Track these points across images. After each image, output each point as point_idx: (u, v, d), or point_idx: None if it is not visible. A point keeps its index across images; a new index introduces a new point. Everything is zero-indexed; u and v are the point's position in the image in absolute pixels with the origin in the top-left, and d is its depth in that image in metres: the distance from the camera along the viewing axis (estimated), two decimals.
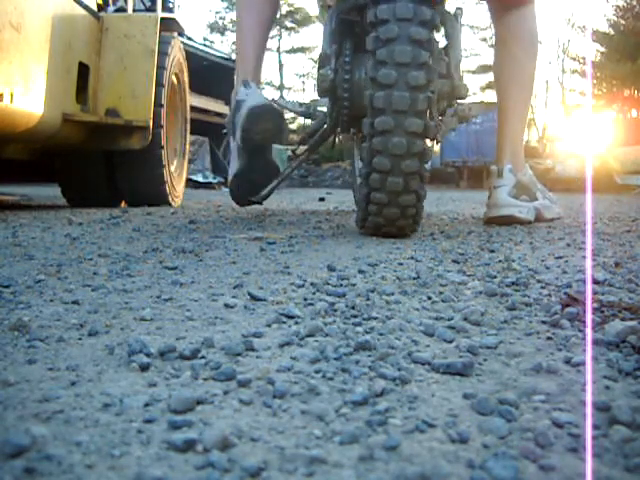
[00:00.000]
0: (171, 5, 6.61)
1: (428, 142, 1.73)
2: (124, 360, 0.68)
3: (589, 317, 0.85)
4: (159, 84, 3.38)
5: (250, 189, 2.19)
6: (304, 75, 26.65)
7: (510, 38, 2.36)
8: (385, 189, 1.71)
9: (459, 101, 2.12)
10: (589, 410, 0.54)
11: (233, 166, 2.25)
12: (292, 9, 24.86)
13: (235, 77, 2.28)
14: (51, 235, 1.90)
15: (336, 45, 1.96)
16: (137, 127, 3.19)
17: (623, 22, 18.05)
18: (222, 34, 27.14)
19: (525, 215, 2.31)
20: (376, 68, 1.67)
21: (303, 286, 1.11)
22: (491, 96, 23.08)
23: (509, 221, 2.30)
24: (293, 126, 25.07)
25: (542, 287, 1.11)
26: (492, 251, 1.62)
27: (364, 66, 1.85)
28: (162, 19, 3.45)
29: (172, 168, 3.82)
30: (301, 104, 2.21)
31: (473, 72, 26.08)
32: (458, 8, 2.01)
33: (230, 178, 2.25)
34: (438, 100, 1.88)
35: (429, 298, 1.02)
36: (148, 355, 0.69)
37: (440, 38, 1.89)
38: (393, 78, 1.64)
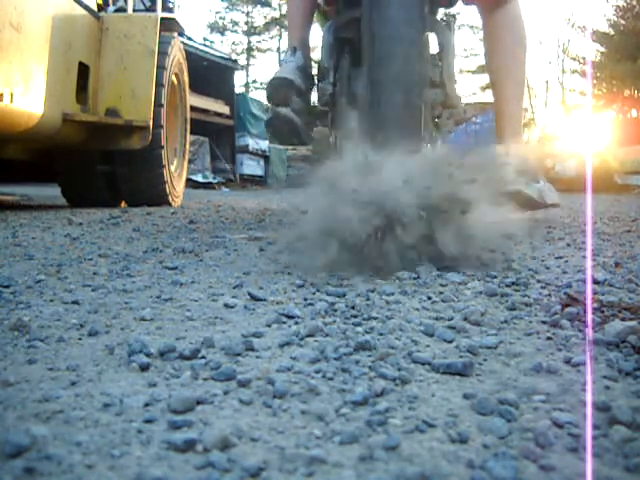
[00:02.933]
0: (171, 5, 6.61)
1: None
2: (124, 360, 0.68)
3: (589, 317, 0.85)
4: (159, 84, 3.38)
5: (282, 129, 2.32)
6: None
7: (499, 30, 2.43)
8: None
9: None
10: (589, 410, 0.54)
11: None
12: None
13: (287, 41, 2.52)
14: (51, 235, 1.90)
15: (334, 58, 1.98)
16: (137, 127, 3.19)
17: (623, 22, 18.05)
18: (222, 34, 27.14)
19: (531, 192, 2.31)
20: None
21: (303, 286, 1.11)
22: (491, 96, 23.06)
23: (517, 198, 2.29)
24: None
25: (542, 287, 1.11)
26: (492, 251, 1.61)
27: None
28: (162, 19, 3.45)
29: (172, 168, 3.82)
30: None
31: (473, 72, 26.07)
32: (451, 15, 2.03)
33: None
34: (431, 107, 1.88)
35: (429, 298, 1.02)
36: (148, 355, 0.69)
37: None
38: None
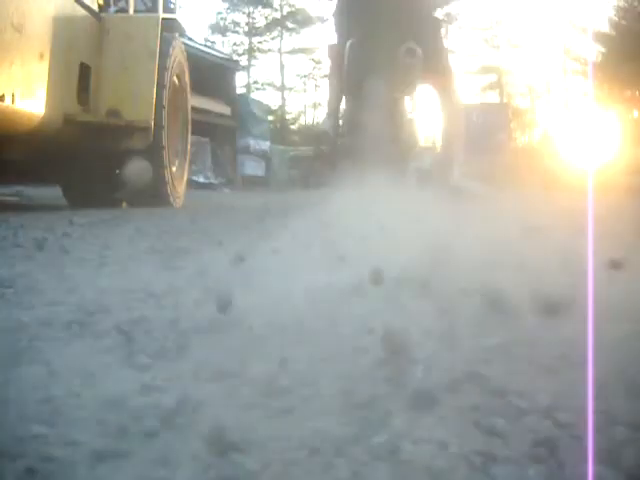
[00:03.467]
0: (172, 6, 6.62)
1: None
2: (124, 360, 0.68)
3: None
4: (160, 85, 3.38)
5: None
6: (305, 76, 26.67)
7: (445, 101, 3.45)
8: None
9: None
10: (590, 410, 0.54)
11: None
12: (293, 10, 24.90)
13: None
14: (51, 235, 1.90)
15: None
16: (138, 128, 3.19)
17: (624, 23, 18.04)
18: (223, 35, 27.16)
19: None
20: None
21: None
22: (492, 97, 23.12)
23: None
24: (294, 126, 25.12)
25: None
26: None
27: None
28: (163, 20, 3.45)
29: (173, 169, 3.82)
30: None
31: (474, 73, 26.09)
32: (412, 100, 2.99)
33: None
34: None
35: None
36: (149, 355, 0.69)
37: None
38: None
